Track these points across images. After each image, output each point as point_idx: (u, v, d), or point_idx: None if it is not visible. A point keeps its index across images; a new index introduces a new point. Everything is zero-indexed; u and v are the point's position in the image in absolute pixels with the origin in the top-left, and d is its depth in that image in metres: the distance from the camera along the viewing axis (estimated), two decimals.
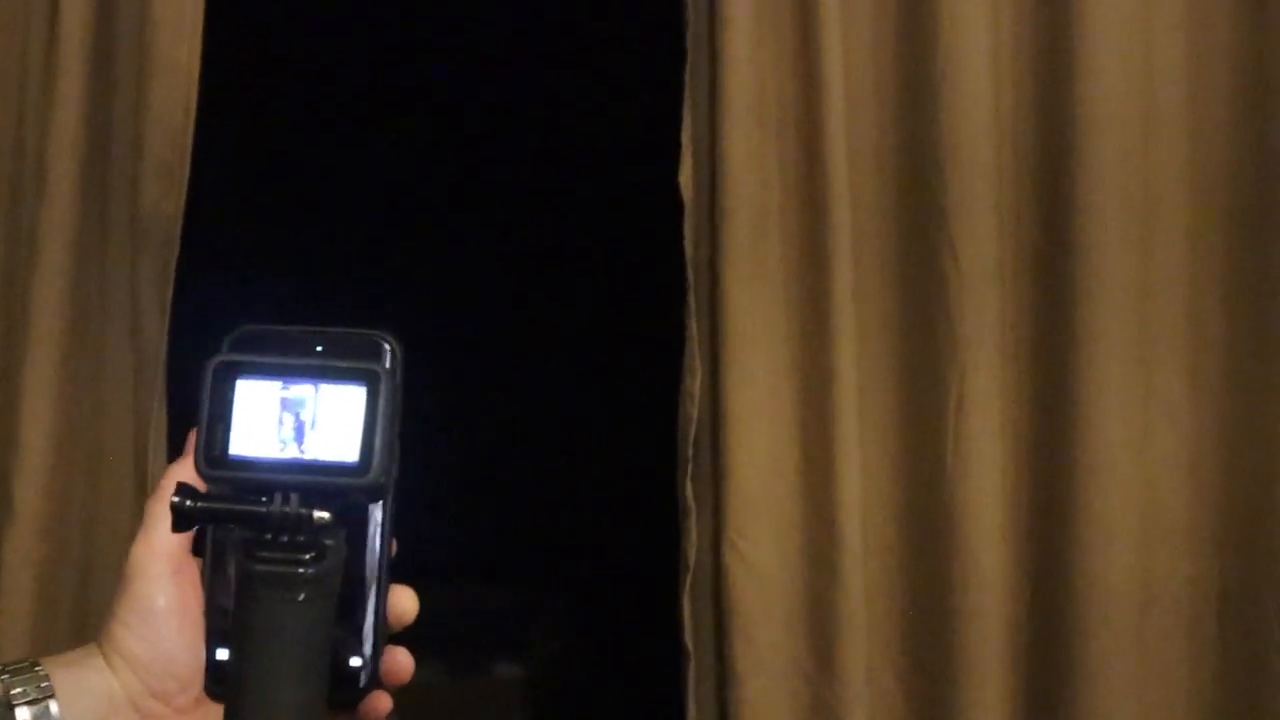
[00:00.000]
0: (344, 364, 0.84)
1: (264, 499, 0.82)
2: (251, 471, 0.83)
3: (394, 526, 0.93)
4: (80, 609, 1.96)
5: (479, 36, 3.16)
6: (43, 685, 0.93)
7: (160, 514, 0.93)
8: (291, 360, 0.84)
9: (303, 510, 0.81)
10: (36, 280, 1.93)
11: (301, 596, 0.81)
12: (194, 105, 1.94)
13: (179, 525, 0.84)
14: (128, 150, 1.96)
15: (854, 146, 1.97)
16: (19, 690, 0.92)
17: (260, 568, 0.82)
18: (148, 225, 1.94)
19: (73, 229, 1.94)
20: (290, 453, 0.83)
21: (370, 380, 0.83)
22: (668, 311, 2.02)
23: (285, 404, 0.83)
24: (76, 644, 0.98)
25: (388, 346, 0.89)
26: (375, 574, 0.92)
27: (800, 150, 1.97)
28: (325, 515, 0.82)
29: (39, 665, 0.94)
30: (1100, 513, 1.94)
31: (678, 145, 1.97)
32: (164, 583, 0.93)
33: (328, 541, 0.82)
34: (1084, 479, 1.95)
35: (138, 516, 1.92)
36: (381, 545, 0.92)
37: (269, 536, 0.81)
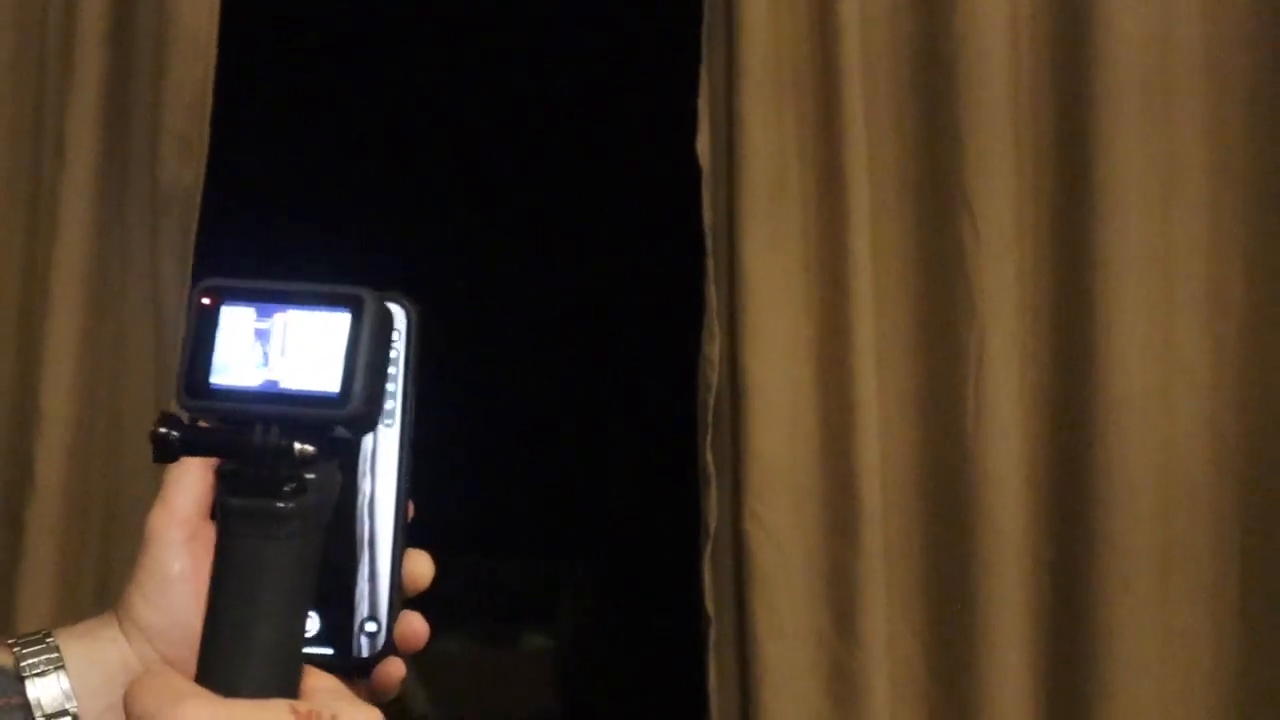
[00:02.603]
0: (331, 290, 0.80)
1: (245, 430, 0.78)
2: (232, 402, 0.79)
3: (410, 489, 0.91)
4: (103, 579, 1.97)
5: (499, 2, 3.15)
6: (53, 657, 0.91)
7: (176, 480, 0.92)
8: (278, 286, 0.80)
9: (283, 442, 0.78)
10: (57, 251, 1.93)
11: (280, 533, 0.79)
12: (212, 75, 1.94)
13: (159, 455, 0.81)
14: (147, 121, 1.96)
15: (871, 111, 1.96)
16: (29, 662, 0.91)
17: (236, 501, 0.79)
18: (168, 196, 1.95)
19: (93, 200, 1.94)
20: (272, 381, 0.79)
21: (355, 307, 0.79)
22: (687, 279, 2.01)
23: (269, 331, 0.79)
24: (99, 613, 0.98)
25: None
26: (383, 539, 0.89)
27: (817, 115, 1.96)
28: (309, 448, 0.78)
29: (51, 636, 0.93)
30: (1121, 476, 1.94)
31: (694, 112, 1.97)
32: (179, 549, 0.91)
33: (309, 475, 0.79)
34: (1104, 442, 1.94)
35: (159, 486, 1.94)
36: (398, 509, 0.90)
37: (248, 470, 0.79)
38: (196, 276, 1.95)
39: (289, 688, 0.80)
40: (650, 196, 2.67)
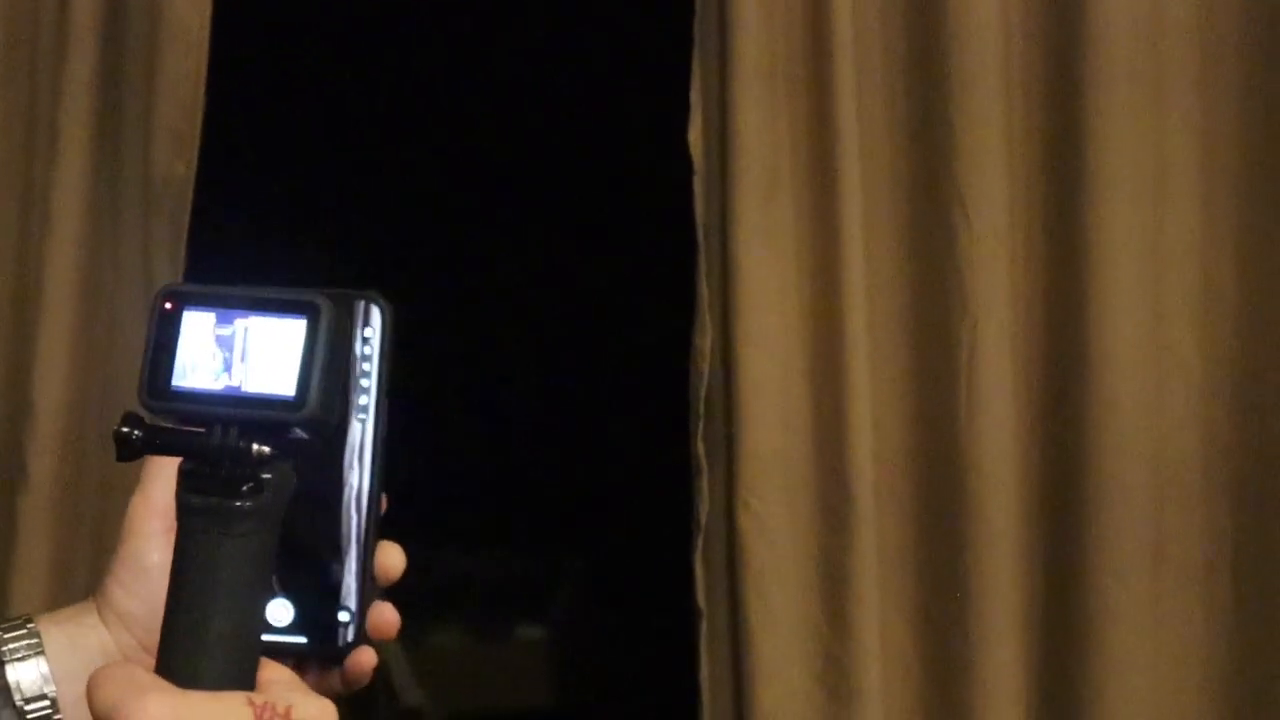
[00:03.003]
0: (287, 296, 0.83)
1: (204, 431, 0.81)
2: (193, 404, 0.82)
3: (383, 482, 0.94)
4: (95, 573, 1.97)
5: None
6: (33, 642, 0.93)
7: (156, 472, 0.94)
8: (237, 292, 0.83)
9: (241, 443, 0.81)
10: (49, 245, 1.94)
11: (237, 530, 0.81)
12: (205, 69, 1.94)
13: (122, 454, 0.84)
14: (139, 115, 1.96)
15: (864, 104, 1.97)
16: (9, 648, 0.93)
17: (195, 499, 0.81)
18: (160, 190, 1.95)
19: (85, 194, 1.95)
20: (231, 385, 0.82)
21: (312, 314, 0.82)
22: (680, 272, 2.02)
23: (228, 337, 0.82)
24: None
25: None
26: (355, 530, 0.93)
27: (810, 108, 1.96)
28: (265, 449, 0.81)
29: (31, 622, 0.95)
30: (1113, 469, 1.95)
31: (687, 105, 1.97)
32: (158, 539, 0.93)
33: (265, 475, 0.81)
34: (1097, 435, 1.95)
35: None
36: (370, 501, 0.93)
37: (207, 469, 0.81)
38: (189, 271, 1.95)
39: (245, 680, 0.82)
40: (643, 189, 2.67)
